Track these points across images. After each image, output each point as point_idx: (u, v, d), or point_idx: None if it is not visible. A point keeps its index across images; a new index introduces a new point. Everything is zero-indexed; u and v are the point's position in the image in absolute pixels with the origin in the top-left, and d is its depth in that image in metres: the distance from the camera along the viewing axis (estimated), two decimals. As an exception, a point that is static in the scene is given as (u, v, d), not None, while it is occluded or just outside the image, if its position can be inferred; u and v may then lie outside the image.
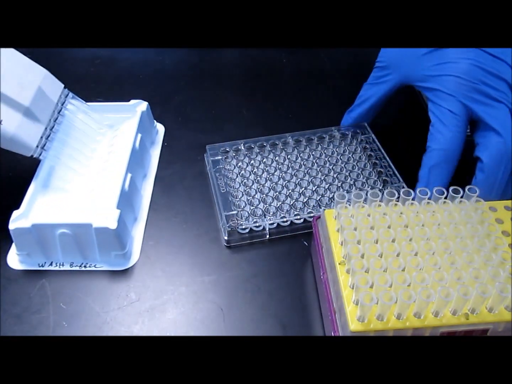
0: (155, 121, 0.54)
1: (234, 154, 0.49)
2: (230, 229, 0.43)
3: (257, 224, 0.43)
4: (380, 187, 0.45)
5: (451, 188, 0.37)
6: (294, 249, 0.43)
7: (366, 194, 0.37)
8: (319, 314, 0.39)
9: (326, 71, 0.64)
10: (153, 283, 0.41)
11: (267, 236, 0.44)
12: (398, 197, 0.37)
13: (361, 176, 0.47)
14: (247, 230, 0.43)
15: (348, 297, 0.33)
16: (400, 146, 0.50)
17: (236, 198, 0.45)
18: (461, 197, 0.37)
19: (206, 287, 0.41)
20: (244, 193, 0.45)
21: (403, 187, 0.44)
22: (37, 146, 0.42)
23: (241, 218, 0.43)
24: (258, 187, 0.46)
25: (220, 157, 0.49)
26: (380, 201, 0.37)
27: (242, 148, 0.49)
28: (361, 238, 0.35)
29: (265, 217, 0.43)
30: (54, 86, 0.45)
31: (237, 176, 0.47)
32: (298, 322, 0.38)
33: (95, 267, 0.42)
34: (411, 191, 0.37)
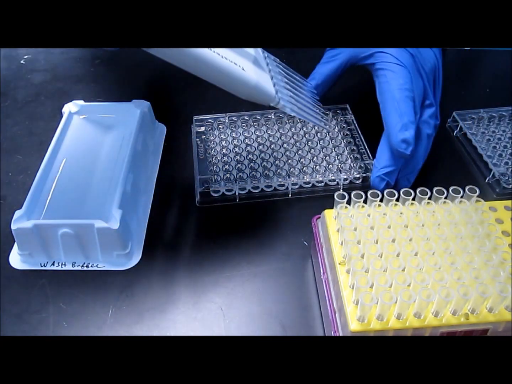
0: (156, 121, 0.54)
1: (217, 126, 0.53)
2: (202, 191, 0.47)
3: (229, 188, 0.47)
4: (350, 163, 0.49)
5: (451, 188, 0.37)
6: (294, 249, 0.43)
7: (366, 194, 0.37)
8: (319, 314, 0.39)
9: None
10: (153, 283, 0.41)
11: (237, 200, 0.47)
12: (398, 197, 0.37)
13: (334, 152, 0.50)
14: (219, 193, 0.47)
15: (348, 297, 0.33)
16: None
17: (213, 164, 0.49)
18: (461, 197, 0.37)
19: (206, 287, 0.41)
20: (220, 160, 0.49)
21: (373, 164, 0.48)
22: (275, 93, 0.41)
23: (214, 182, 0.47)
24: (235, 156, 0.50)
25: (204, 128, 0.53)
26: (380, 201, 0.37)
27: (226, 121, 0.54)
28: (361, 238, 0.35)
29: (236, 182, 0.47)
30: None
31: (216, 145, 0.51)
32: (298, 322, 0.38)
33: (97, 267, 0.42)
34: (411, 191, 0.37)
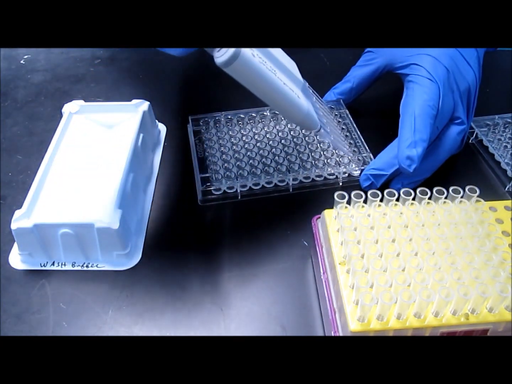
0: (156, 121, 0.54)
1: (214, 124, 0.53)
2: (204, 189, 0.46)
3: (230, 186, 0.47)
4: (348, 157, 0.49)
5: (451, 188, 0.37)
6: (294, 249, 0.43)
7: (366, 194, 0.37)
8: (319, 314, 0.39)
9: (326, 71, 0.64)
10: (154, 283, 0.41)
11: (239, 197, 0.47)
12: (398, 197, 0.37)
13: (331, 146, 0.50)
14: (220, 192, 0.47)
15: (348, 297, 0.33)
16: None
17: (213, 163, 0.49)
18: (461, 197, 0.37)
19: (206, 287, 0.41)
20: (220, 158, 0.49)
21: (370, 158, 0.48)
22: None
23: (216, 181, 0.47)
24: (234, 154, 0.50)
25: (201, 128, 0.53)
26: (380, 201, 0.37)
27: (222, 119, 0.54)
28: (361, 238, 0.35)
29: (237, 179, 0.47)
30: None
31: (214, 144, 0.51)
32: (298, 322, 0.38)
33: (97, 267, 0.42)
34: (411, 191, 0.37)
